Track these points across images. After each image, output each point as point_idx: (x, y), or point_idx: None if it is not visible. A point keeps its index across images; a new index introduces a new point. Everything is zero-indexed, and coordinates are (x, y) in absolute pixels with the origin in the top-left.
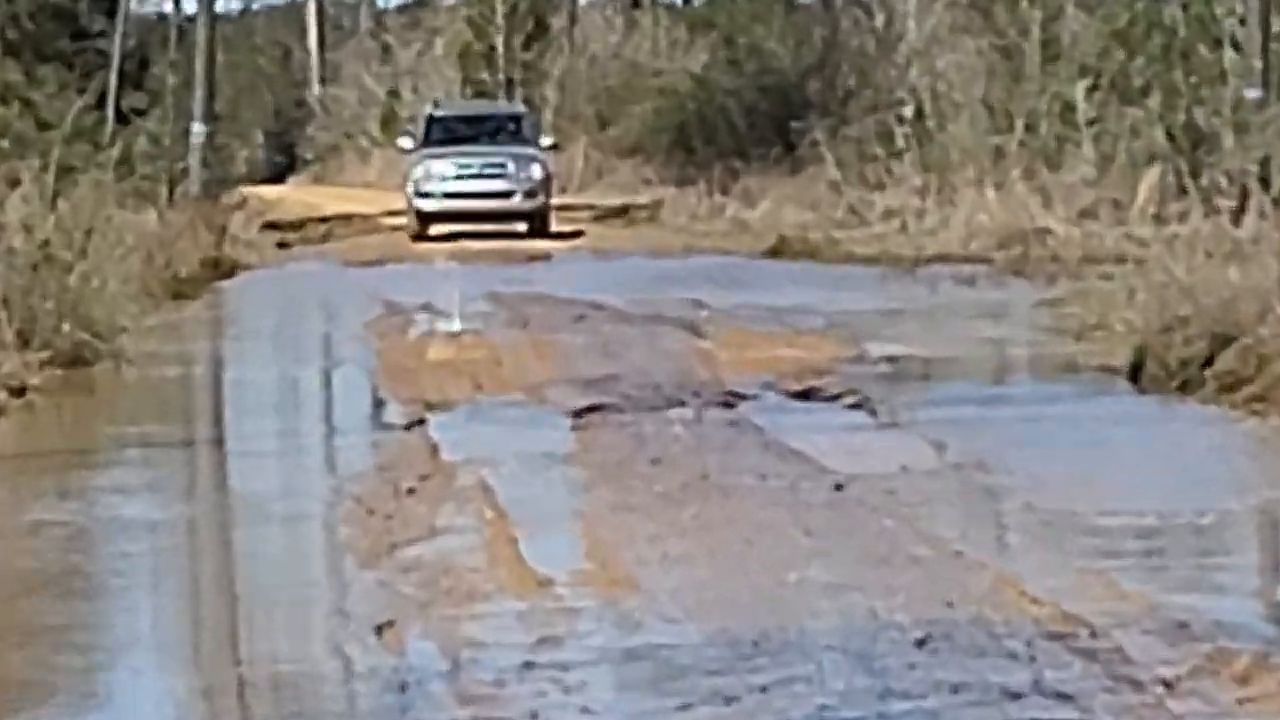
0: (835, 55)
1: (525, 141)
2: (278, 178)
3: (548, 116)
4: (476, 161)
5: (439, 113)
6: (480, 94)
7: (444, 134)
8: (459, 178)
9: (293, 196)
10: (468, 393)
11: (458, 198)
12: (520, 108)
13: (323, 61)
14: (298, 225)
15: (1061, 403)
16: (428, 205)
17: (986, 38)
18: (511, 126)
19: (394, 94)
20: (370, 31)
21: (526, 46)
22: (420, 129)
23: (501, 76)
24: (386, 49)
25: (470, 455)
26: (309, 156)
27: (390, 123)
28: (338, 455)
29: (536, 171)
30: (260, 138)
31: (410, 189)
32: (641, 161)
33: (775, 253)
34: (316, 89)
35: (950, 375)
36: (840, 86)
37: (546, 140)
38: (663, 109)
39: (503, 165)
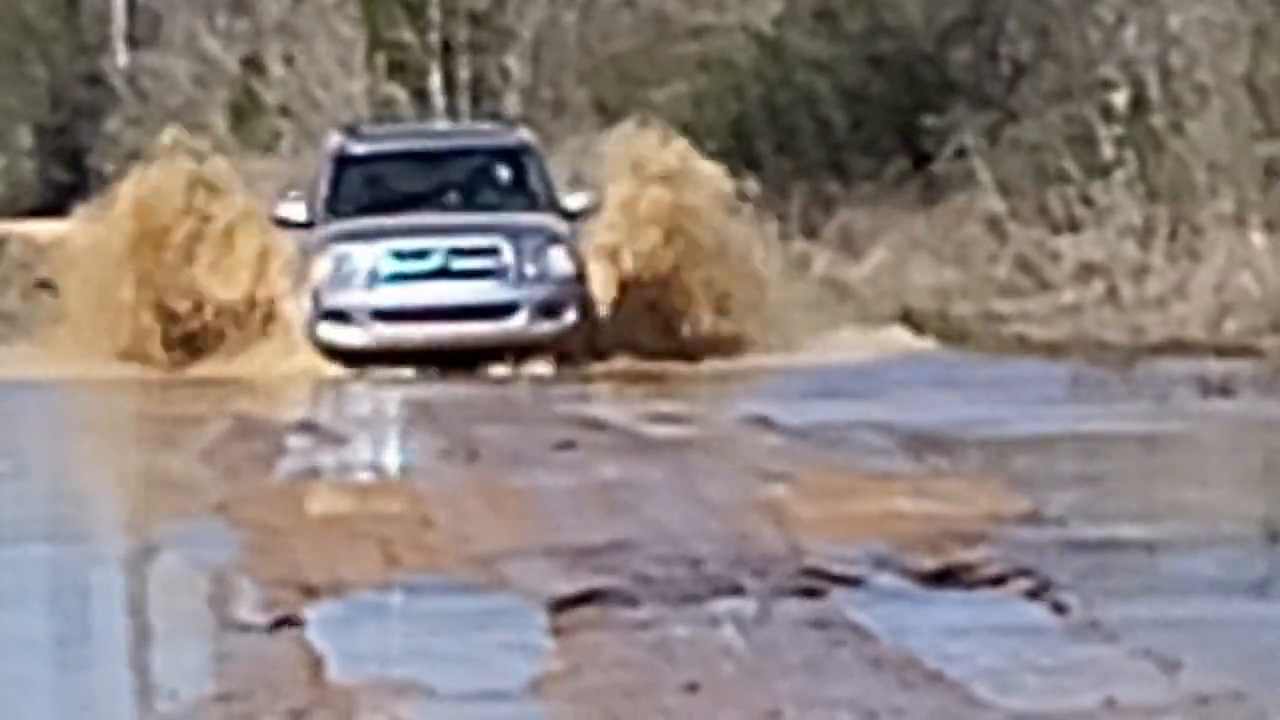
0: (998, 6)
1: (533, 201)
2: (58, 205)
3: (512, 102)
4: (439, 245)
5: (358, 146)
6: (399, 66)
7: (369, 190)
8: (404, 279)
9: (81, 240)
10: (375, 570)
11: (403, 319)
12: (522, 133)
13: (133, 10)
14: None
15: None
16: (345, 336)
17: None
18: (505, 173)
19: (253, 65)
20: None
21: None
22: (322, 176)
23: (435, 37)
24: None
25: (378, 675)
26: (109, 169)
27: (246, 116)
28: (152, 674)
29: (559, 260)
30: (27, 138)
31: (307, 302)
32: None
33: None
34: (122, 57)
35: (1188, 549)
36: (1006, 58)
37: (577, 197)
38: (706, 94)
39: (491, 251)
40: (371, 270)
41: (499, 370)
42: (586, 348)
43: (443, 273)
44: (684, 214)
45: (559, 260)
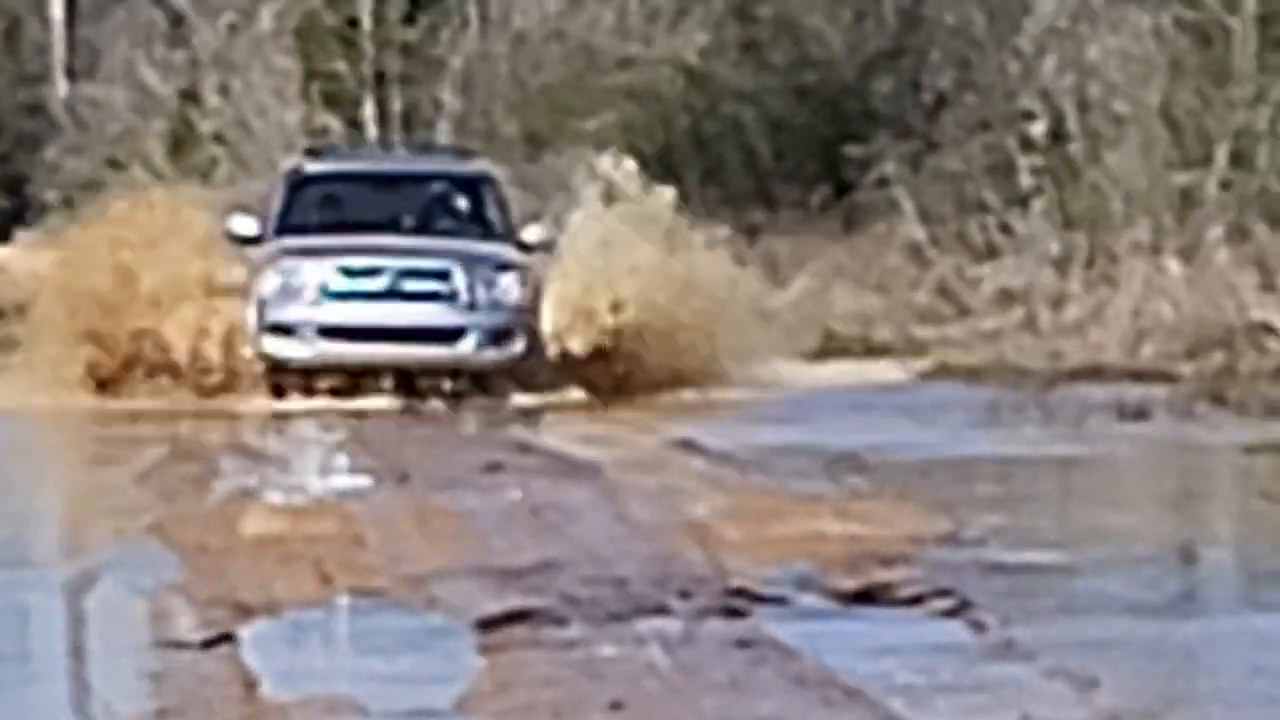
0: (919, 38)
1: (489, 230)
2: (0, 232)
3: (444, 131)
4: (389, 265)
5: (315, 166)
6: (333, 96)
7: (321, 210)
8: (352, 297)
9: (23, 265)
10: (309, 589)
11: (349, 337)
12: (482, 164)
13: (73, 42)
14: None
15: None
16: (288, 350)
17: (1169, 11)
18: (462, 201)
19: (190, 97)
20: None
21: (409, 19)
22: (275, 197)
23: (368, 69)
24: (178, 21)
25: (311, 693)
26: (50, 198)
27: (184, 145)
28: (89, 692)
29: (511, 288)
30: None
31: (252, 314)
32: None
33: (818, 362)
34: (62, 87)
35: (1104, 570)
36: (928, 89)
37: (534, 230)
38: (634, 124)
39: (442, 275)
40: (320, 286)
41: (435, 403)
42: (532, 378)
43: (392, 293)
44: (645, 251)
45: (510, 288)
